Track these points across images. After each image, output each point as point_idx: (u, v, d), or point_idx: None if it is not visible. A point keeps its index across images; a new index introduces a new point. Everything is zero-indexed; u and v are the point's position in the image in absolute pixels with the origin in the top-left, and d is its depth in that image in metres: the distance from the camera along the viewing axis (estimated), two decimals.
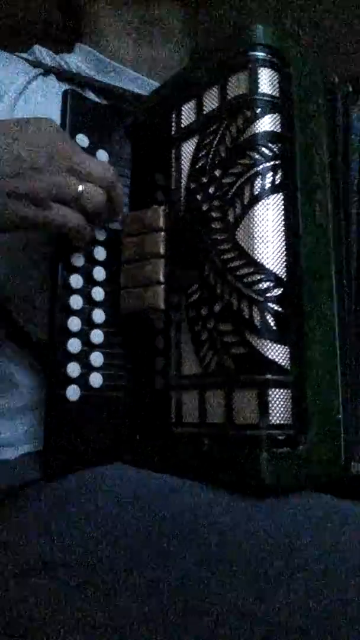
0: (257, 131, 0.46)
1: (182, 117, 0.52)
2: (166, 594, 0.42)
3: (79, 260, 0.52)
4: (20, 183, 0.45)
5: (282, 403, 0.42)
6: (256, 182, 0.45)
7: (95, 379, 0.51)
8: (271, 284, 0.43)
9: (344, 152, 0.53)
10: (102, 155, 0.55)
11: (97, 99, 0.64)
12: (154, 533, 0.44)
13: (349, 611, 0.39)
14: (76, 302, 0.51)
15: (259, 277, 0.44)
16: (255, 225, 0.44)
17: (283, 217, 0.45)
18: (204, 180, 0.48)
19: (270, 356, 0.43)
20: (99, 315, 0.52)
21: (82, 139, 0.54)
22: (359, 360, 0.49)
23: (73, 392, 0.50)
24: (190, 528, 0.44)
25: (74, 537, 0.46)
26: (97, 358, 0.52)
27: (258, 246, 0.44)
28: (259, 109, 0.46)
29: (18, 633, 0.46)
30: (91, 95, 0.65)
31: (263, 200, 0.45)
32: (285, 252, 0.44)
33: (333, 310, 0.48)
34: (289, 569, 0.40)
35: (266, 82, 0.47)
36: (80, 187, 0.48)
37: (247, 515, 0.43)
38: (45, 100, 0.60)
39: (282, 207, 0.45)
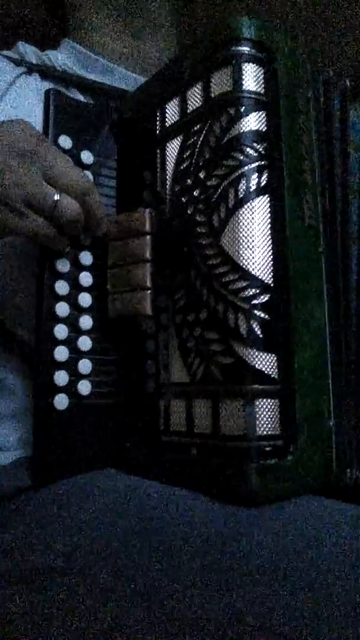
0: (241, 130, 0.44)
1: (167, 115, 0.51)
2: (162, 599, 0.42)
3: (64, 266, 0.51)
4: None
5: (269, 413, 0.42)
6: (241, 184, 0.43)
7: (84, 387, 0.51)
8: (257, 291, 0.42)
9: (341, 150, 0.51)
10: (87, 156, 0.54)
11: (82, 97, 0.63)
12: (146, 539, 0.44)
13: (345, 615, 0.38)
14: (62, 309, 0.50)
15: (244, 284, 0.42)
16: (240, 230, 0.43)
17: (269, 221, 0.43)
18: (189, 182, 0.47)
19: (257, 365, 0.41)
20: (86, 322, 0.52)
21: (66, 140, 0.53)
22: (356, 364, 0.48)
23: (61, 401, 0.49)
24: (183, 534, 0.43)
25: (69, 544, 0.46)
26: (85, 365, 0.51)
27: (243, 252, 0.43)
28: (244, 107, 0.44)
29: (20, 638, 0.46)
30: (77, 94, 0.63)
31: (248, 204, 0.43)
32: (272, 257, 0.43)
33: (324, 314, 0.46)
34: (283, 573, 0.40)
35: (251, 78, 0.45)
36: (55, 197, 0.46)
37: (239, 520, 0.42)
38: (28, 100, 0.58)
39: (269, 209, 0.44)
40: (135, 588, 0.43)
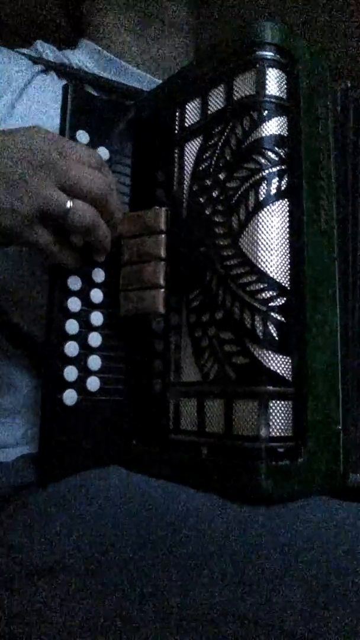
0: (263, 134, 0.44)
1: (186, 115, 0.51)
2: (165, 596, 0.42)
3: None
4: (9, 196, 0.44)
5: (282, 415, 0.42)
6: (261, 187, 0.44)
7: (93, 383, 0.50)
8: (274, 293, 0.43)
9: (354, 159, 0.51)
10: (103, 152, 0.54)
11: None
12: (151, 537, 0.44)
13: (347, 614, 0.39)
14: (74, 304, 0.50)
15: (262, 286, 0.43)
16: (260, 232, 0.43)
17: (288, 224, 0.44)
18: (208, 183, 0.47)
19: (271, 367, 0.42)
20: (97, 318, 0.51)
21: (83, 136, 0.52)
22: None
23: (70, 396, 0.49)
24: (187, 532, 0.43)
25: (73, 541, 0.46)
26: (94, 361, 0.51)
27: (262, 254, 0.43)
28: (266, 111, 0.45)
29: (21, 636, 0.46)
30: (93, 92, 0.63)
31: (268, 207, 0.43)
32: (289, 261, 0.44)
33: (336, 318, 0.47)
34: (286, 572, 0.40)
35: (274, 83, 0.45)
36: (69, 204, 0.46)
37: (243, 519, 0.42)
38: (46, 98, 0.58)
39: (287, 213, 0.44)
40: (138, 586, 0.43)
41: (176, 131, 0.51)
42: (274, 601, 0.39)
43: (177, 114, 0.51)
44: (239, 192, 0.45)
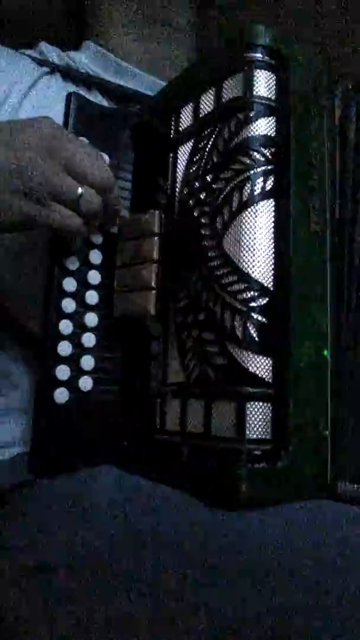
0: (249, 135, 0.44)
1: (181, 120, 0.51)
2: (165, 595, 0.42)
3: (73, 264, 0.52)
4: (21, 180, 0.45)
5: (261, 417, 0.41)
6: (246, 187, 0.44)
7: (85, 383, 0.51)
8: (256, 294, 0.42)
9: (354, 160, 0.50)
10: (104, 158, 0.55)
11: (102, 98, 0.64)
12: (147, 537, 0.44)
13: (345, 612, 0.38)
14: (69, 305, 0.51)
15: (243, 287, 0.42)
16: (242, 232, 0.43)
17: (273, 225, 0.44)
18: (197, 185, 0.48)
19: (250, 368, 0.41)
20: (91, 319, 0.52)
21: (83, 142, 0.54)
22: (357, 374, 0.48)
23: (61, 395, 0.50)
24: (184, 532, 0.43)
25: (71, 540, 0.47)
26: (87, 361, 0.52)
27: (244, 254, 0.43)
28: (253, 112, 0.45)
29: (18, 635, 0.47)
30: (97, 95, 0.65)
31: (252, 207, 0.43)
32: (273, 261, 0.43)
33: (326, 319, 0.46)
34: (285, 572, 0.40)
35: (262, 84, 0.45)
36: (79, 190, 0.48)
37: (240, 520, 0.42)
38: (50, 101, 0.60)
39: (273, 214, 0.44)
40: (135, 584, 0.43)
41: (172, 136, 0.52)
42: (270, 601, 0.39)
43: (172, 118, 0.52)
44: (224, 193, 0.45)
